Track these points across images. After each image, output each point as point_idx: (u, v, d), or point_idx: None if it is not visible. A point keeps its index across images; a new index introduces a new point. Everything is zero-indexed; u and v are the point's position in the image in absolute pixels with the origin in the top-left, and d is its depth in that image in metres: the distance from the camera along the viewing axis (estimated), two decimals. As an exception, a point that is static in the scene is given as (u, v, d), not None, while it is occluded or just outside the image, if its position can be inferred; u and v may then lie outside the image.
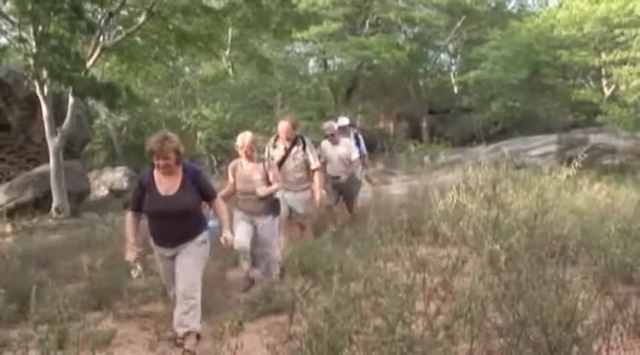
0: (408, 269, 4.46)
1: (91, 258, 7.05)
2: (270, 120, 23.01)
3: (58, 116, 14.06)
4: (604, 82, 25.38)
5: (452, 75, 33.37)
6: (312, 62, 32.72)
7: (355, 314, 3.56)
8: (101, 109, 22.98)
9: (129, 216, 4.82)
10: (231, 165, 6.40)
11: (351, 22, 29.02)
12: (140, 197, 4.72)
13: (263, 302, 5.37)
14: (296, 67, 29.86)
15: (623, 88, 22.25)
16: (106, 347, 4.53)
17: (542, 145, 19.21)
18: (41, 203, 13.75)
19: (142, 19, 14.55)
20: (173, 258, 4.74)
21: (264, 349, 3.69)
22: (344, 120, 9.55)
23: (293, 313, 4.44)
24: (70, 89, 13.27)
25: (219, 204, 4.96)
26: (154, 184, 4.67)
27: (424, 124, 30.52)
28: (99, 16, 14.77)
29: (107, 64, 19.10)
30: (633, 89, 20.85)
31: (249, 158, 6.22)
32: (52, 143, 13.69)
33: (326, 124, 8.89)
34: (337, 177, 8.58)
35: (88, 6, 13.92)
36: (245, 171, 6.25)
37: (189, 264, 4.65)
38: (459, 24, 29.63)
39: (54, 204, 13.52)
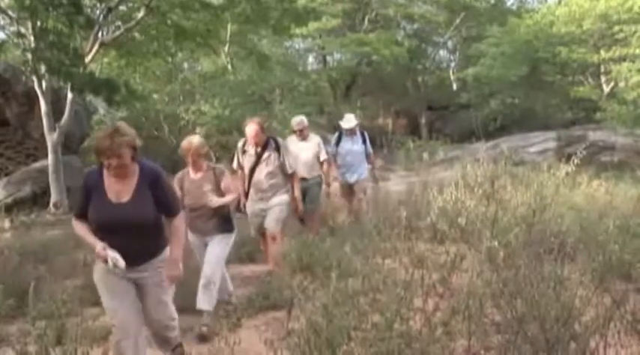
0: (407, 265, 4.46)
1: (89, 254, 7.05)
2: (269, 116, 23.04)
3: (56, 111, 14.03)
4: (603, 78, 25.39)
5: (451, 71, 33.35)
6: (311, 58, 32.74)
7: (353, 311, 3.56)
8: (100, 105, 22.92)
9: (75, 221, 3.87)
10: (178, 175, 5.41)
11: (350, 18, 29.01)
12: (86, 202, 3.76)
13: (261, 299, 5.37)
14: (295, 63, 29.85)
15: (622, 84, 22.28)
16: (104, 342, 4.52)
17: (541, 142, 19.23)
18: (39, 198, 13.74)
19: (140, 14, 14.53)
20: (131, 282, 3.82)
21: (263, 345, 3.69)
22: (351, 120, 8.77)
23: (291, 309, 4.44)
24: (69, 84, 13.25)
25: (178, 226, 3.87)
26: (102, 188, 3.70)
27: (423, 121, 30.52)
28: (97, 12, 14.75)
29: (106, 60, 19.05)
30: (632, 86, 20.89)
31: (196, 166, 5.26)
32: (51, 138, 13.67)
33: (297, 118, 8.04)
34: (302, 179, 7.41)
35: (86, 1, 13.91)
36: (194, 183, 5.25)
37: (160, 297, 3.88)
38: (458, 20, 29.62)
39: (52, 200, 13.50)
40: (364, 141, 8.78)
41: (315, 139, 7.98)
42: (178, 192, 5.09)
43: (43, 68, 13.03)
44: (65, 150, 14.71)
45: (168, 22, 15.51)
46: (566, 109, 28.17)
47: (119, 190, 3.67)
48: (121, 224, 3.62)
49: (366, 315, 3.60)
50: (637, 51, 21.78)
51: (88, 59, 13.80)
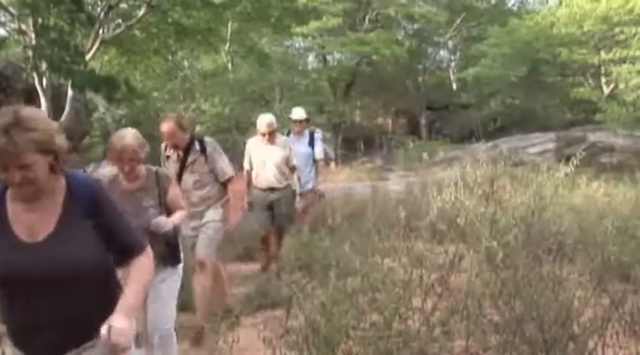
0: (405, 265, 4.47)
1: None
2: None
3: (56, 109, 14.01)
4: (603, 80, 25.43)
5: (451, 71, 33.38)
6: (311, 57, 32.72)
7: (352, 310, 3.56)
8: (100, 102, 22.92)
9: None
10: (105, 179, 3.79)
11: (350, 17, 28.98)
12: None
13: (260, 297, 5.38)
14: (295, 62, 29.84)
15: (622, 86, 22.32)
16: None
17: (541, 143, 19.24)
18: (39, 195, 13.72)
19: (141, 12, 14.53)
20: None
21: (261, 343, 3.70)
22: (300, 113, 7.59)
23: (290, 307, 4.45)
24: (69, 82, 13.25)
25: (142, 266, 2.29)
26: (5, 219, 2.13)
27: (423, 121, 30.55)
28: (98, 9, 14.72)
29: (106, 57, 19.07)
30: (632, 87, 20.92)
31: (132, 173, 3.72)
32: (51, 135, 13.65)
33: (266, 119, 6.52)
34: (269, 190, 6.55)
35: (87, -2, 13.91)
36: (127, 195, 3.69)
37: None
38: (458, 21, 29.64)
39: (52, 197, 13.48)
40: (311, 143, 7.50)
41: (284, 142, 6.71)
42: None
43: (43, 65, 13.01)
44: (65, 146, 14.67)
45: (169, 20, 15.51)
46: (566, 110, 28.23)
47: (31, 223, 2.12)
48: (36, 279, 2.07)
49: (365, 314, 3.61)
50: (637, 53, 21.82)
51: (88, 56, 13.79)
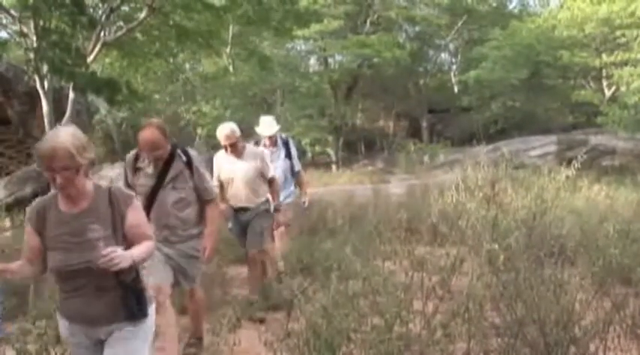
0: (407, 268, 4.46)
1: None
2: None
3: (57, 111, 14.04)
4: (604, 83, 25.44)
5: (452, 74, 33.39)
6: (312, 60, 32.77)
7: (353, 313, 3.56)
8: (101, 105, 22.97)
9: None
10: (34, 208, 2.94)
11: (352, 20, 29.03)
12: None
13: (261, 299, 5.37)
14: (296, 65, 29.89)
15: (623, 89, 22.30)
16: (104, 342, 4.52)
17: (542, 146, 19.24)
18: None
19: (142, 14, 14.55)
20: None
21: (262, 346, 3.69)
22: (271, 126, 6.61)
23: (291, 310, 4.45)
24: (71, 84, 13.27)
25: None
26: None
27: (424, 123, 30.57)
28: (100, 12, 14.76)
29: (107, 60, 19.09)
30: (634, 91, 20.90)
31: (66, 189, 2.72)
32: (52, 138, 13.67)
33: (224, 128, 5.55)
34: (241, 210, 5.66)
35: (89, 1, 13.93)
36: (66, 221, 2.74)
37: None
38: (459, 23, 29.67)
39: (53, 199, 13.50)
40: (288, 155, 6.74)
41: (254, 152, 5.75)
42: (32, 240, 2.76)
43: (45, 67, 13.03)
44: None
45: (171, 22, 15.54)
46: (567, 113, 28.22)
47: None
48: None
49: (366, 317, 3.61)
50: (639, 55, 21.81)
51: (90, 59, 13.82)
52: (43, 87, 13.63)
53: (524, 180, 8.23)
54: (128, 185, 4.23)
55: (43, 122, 13.94)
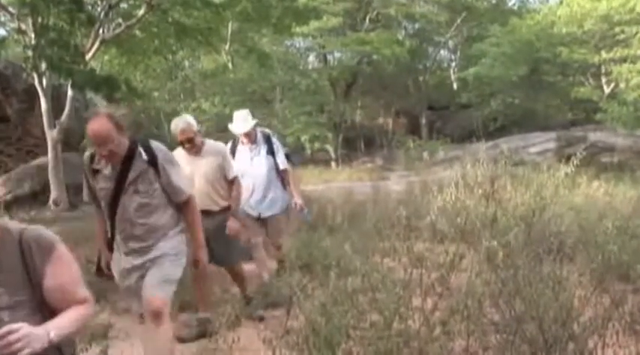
0: (406, 264, 4.46)
1: (89, 251, 7.05)
2: (269, 115, 23.03)
3: (56, 108, 14.04)
4: (604, 79, 25.44)
5: (451, 71, 33.40)
6: (311, 57, 32.75)
7: (352, 310, 3.56)
8: (100, 102, 22.98)
9: None
10: None
11: (351, 17, 29.00)
12: None
13: (260, 297, 5.37)
14: (296, 62, 29.86)
15: (622, 85, 22.31)
16: (103, 340, 4.53)
17: (541, 142, 19.25)
18: (39, 195, 13.75)
19: (141, 11, 14.54)
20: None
21: (261, 343, 3.69)
22: (245, 121, 5.72)
23: (290, 307, 4.45)
24: (69, 81, 13.26)
25: None
26: None
27: (423, 120, 30.58)
28: (98, 9, 14.74)
29: (106, 57, 19.10)
30: (633, 87, 20.91)
31: None
32: (51, 135, 13.68)
33: (179, 122, 4.83)
34: (204, 214, 4.34)
35: (87, -2, 13.93)
36: None
37: None
38: (459, 20, 29.64)
39: (52, 197, 13.51)
40: (271, 151, 5.80)
41: (215, 148, 5.00)
42: None
43: (43, 65, 13.04)
44: (65, 147, 14.71)
45: (169, 19, 15.54)
46: (566, 110, 28.22)
47: None
48: None
49: (365, 314, 3.60)
50: (638, 52, 21.81)
51: (88, 56, 13.81)
52: (41, 84, 13.64)
53: (523, 177, 8.24)
54: (90, 191, 3.70)
55: (42, 119, 13.95)
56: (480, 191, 6.87)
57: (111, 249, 3.72)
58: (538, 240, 5.19)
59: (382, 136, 30.94)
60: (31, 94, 14.86)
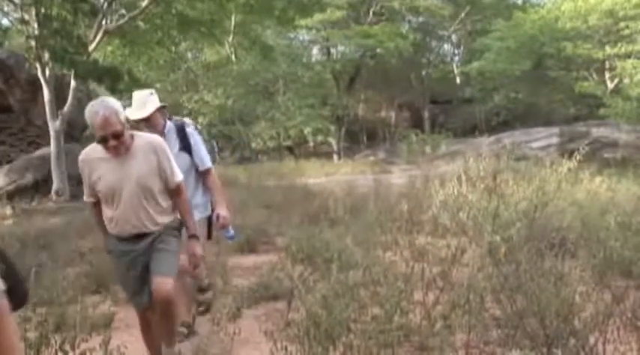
0: (407, 258, 4.46)
1: (91, 242, 7.07)
2: (271, 107, 23.02)
3: (59, 99, 14.05)
4: (607, 75, 25.38)
5: (455, 65, 33.35)
6: (315, 50, 32.71)
7: (353, 303, 3.56)
8: (102, 93, 23.00)
9: None
10: None
11: (355, 10, 28.95)
12: None
13: (261, 289, 5.37)
14: (299, 55, 29.83)
15: (626, 81, 22.26)
16: (105, 330, 4.53)
17: (544, 137, 19.20)
18: (41, 186, 13.77)
19: (145, 2, 14.51)
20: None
21: (262, 335, 3.70)
22: (145, 105, 4.23)
23: (291, 300, 4.45)
24: (72, 72, 13.26)
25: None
26: None
27: (426, 114, 30.56)
28: (102, 0, 14.73)
29: (109, 48, 19.06)
30: (637, 82, 20.87)
31: None
32: (53, 126, 13.69)
33: (99, 108, 3.26)
34: (134, 240, 3.48)
35: (91, -11, 13.89)
36: None
37: None
38: (463, 14, 29.57)
39: (54, 187, 13.53)
40: (186, 146, 4.36)
41: (149, 143, 3.48)
42: None
43: (46, 55, 13.04)
44: (67, 137, 14.73)
45: (173, 11, 15.51)
46: (569, 105, 28.17)
47: None
48: None
49: (366, 307, 3.61)
50: (643, 47, 21.77)
51: (91, 47, 13.81)
52: (44, 75, 13.64)
53: (525, 172, 8.22)
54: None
55: (45, 110, 13.96)
56: (482, 185, 6.85)
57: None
58: (540, 235, 5.19)
59: (385, 130, 30.94)
60: (34, 85, 14.86)
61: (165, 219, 3.50)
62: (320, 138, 28.30)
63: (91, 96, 19.90)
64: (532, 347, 3.36)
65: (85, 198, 3.64)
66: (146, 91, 4.35)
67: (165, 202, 3.51)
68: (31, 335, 3.50)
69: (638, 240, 5.07)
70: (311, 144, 29.33)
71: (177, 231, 3.61)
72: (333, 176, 17.11)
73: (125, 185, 3.37)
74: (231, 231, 4.46)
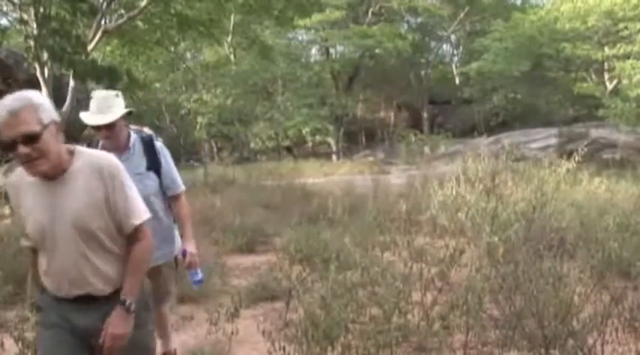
0: (406, 258, 4.46)
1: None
2: (270, 107, 23.01)
3: (58, 99, 14.02)
4: (606, 75, 25.40)
5: (454, 66, 33.36)
6: (314, 50, 32.70)
7: (352, 303, 3.56)
8: (101, 93, 22.99)
9: None
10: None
11: (353, 10, 28.95)
12: None
13: (260, 289, 5.37)
14: (298, 55, 29.83)
15: (625, 82, 22.26)
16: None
17: (543, 138, 19.21)
18: (40, 185, 13.75)
19: (144, 2, 14.49)
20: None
21: (261, 335, 3.69)
22: (110, 108, 3.39)
23: (290, 300, 4.45)
24: (71, 72, 13.25)
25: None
26: None
27: (425, 114, 30.56)
28: (101, 0, 14.72)
29: (108, 48, 19.05)
30: (636, 83, 20.87)
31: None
32: (52, 126, 13.68)
33: (15, 102, 2.25)
34: (76, 303, 2.28)
35: (90, -12, 13.88)
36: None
37: None
38: (462, 15, 29.58)
39: (53, 187, 13.51)
40: (154, 165, 3.48)
41: (95, 163, 2.33)
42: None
43: (45, 55, 13.02)
44: (66, 137, 14.68)
45: (172, 10, 15.49)
46: (568, 106, 28.20)
47: None
48: None
49: (365, 308, 3.61)
50: (641, 48, 21.78)
51: (90, 47, 13.78)
52: (43, 74, 13.61)
53: (524, 173, 8.22)
54: None
55: (43, 110, 13.93)
56: (481, 186, 6.85)
57: None
58: (538, 236, 5.19)
59: (383, 130, 30.95)
60: (33, 84, 14.79)
61: (121, 273, 2.31)
62: (319, 138, 28.30)
63: (90, 96, 19.94)
64: (530, 347, 3.36)
65: (22, 240, 2.45)
66: (111, 92, 3.53)
67: (119, 248, 2.32)
68: (29, 335, 3.50)
69: (637, 241, 5.08)
70: (310, 144, 29.32)
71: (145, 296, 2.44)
72: (332, 176, 17.11)
73: (57, 224, 2.23)
74: (200, 274, 3.50)
